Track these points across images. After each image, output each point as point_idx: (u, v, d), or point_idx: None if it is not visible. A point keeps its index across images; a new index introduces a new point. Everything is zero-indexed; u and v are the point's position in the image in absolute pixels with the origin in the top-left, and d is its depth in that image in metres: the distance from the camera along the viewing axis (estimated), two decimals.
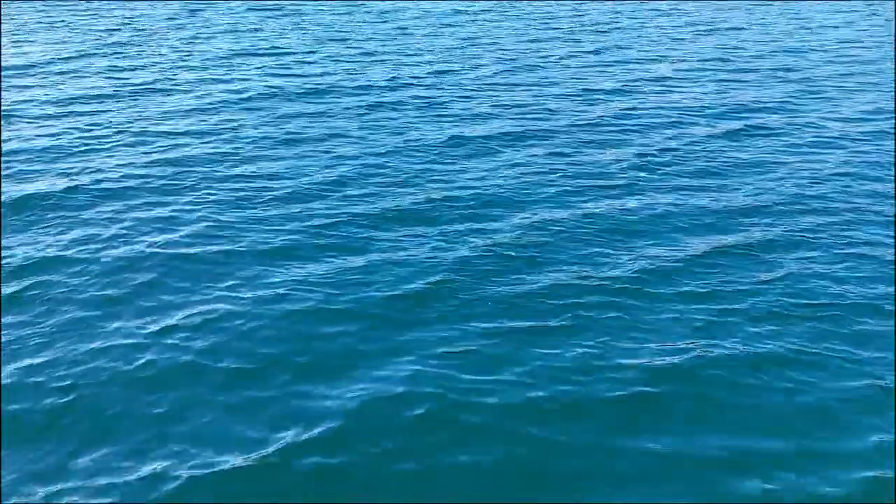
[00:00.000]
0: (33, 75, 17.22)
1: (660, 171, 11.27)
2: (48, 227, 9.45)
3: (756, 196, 10.40)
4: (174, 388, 6.48)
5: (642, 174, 11.17)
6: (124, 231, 9.28)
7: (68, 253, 8.73)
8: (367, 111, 14.44)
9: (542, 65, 18.65)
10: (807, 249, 8.87)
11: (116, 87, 16.22)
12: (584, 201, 10.12)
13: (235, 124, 13.68)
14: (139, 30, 23.42)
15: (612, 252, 8.67)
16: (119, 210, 9.90)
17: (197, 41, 21.66)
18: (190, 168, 11.36)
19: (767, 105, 15.00)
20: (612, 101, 15.23)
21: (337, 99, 15.32)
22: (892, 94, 15.96)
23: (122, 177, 11.00)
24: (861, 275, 8.27)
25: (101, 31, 23.31)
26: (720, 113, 14.41)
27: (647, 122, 13.79)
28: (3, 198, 10.17)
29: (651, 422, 6.04)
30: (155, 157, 11.90)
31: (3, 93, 15.67)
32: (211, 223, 9.46)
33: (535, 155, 11.98)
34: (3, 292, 7.84)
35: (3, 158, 11.71)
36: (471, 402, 6.21)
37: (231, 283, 8.06)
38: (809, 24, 24.90)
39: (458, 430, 5.94)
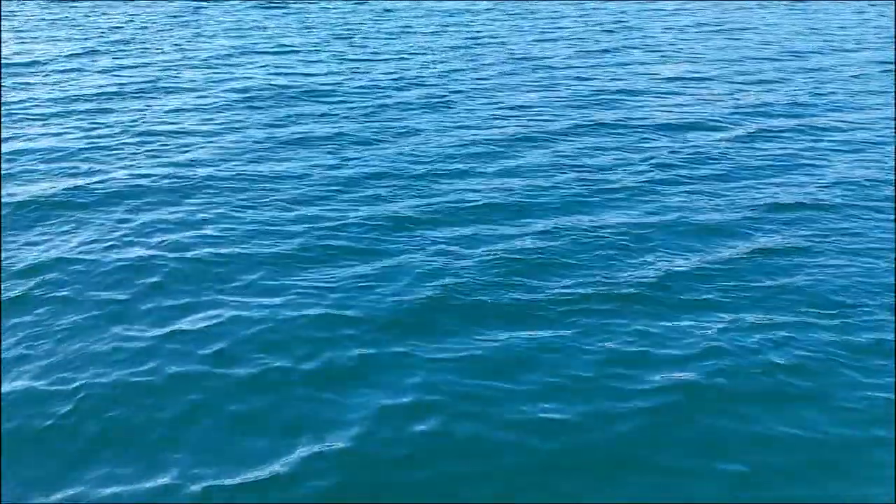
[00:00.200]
0: (36, 73, 17.12)
1: (669, 176, 11.14)
2: (52, 228, 9.34)
3: (768, 201, 10.27)
4: (181, 396, 6.35)
5: (651, 178, 11.03)
6: (130, 233, 9.16)
7: (72, 255, 8.61)
8: (373, 112, 14.32)
9: (547, 65, 18.52)
10: (819, 255, 8.75)
11: (120, 85, 16.11)
12: (593, 207, 9.99)
13: (240, 124, 13.58)
14: (143, 27, 23.32)
15: (624, 259, 8.54)
16: (124, 212, 9.78)
17: (201, 39, 21.54)
18: (195, 169, 11.25)
19: (775, 108, 14.86)
20: (619, 102, 15.11)
21: (342, 99, 15.22)
22: (893, 96, 15.87)
23: (127, 178, 10.88)
24: (878, 280, 8.16)
25: (105, 28, 23.20)
26: (728, 116, 14.28)
27: (654, 125, 13.67)
28: (7, 199, 10.06)
29: (668, 435, 5.93)
30: (160, 158, 11.79)
31: (6, 91, 15.55)
32: (217, 226, 9.35)
33: (543, 158, 11.86)
34: (6, 295, 7.73)
35: (6, 158, 11.60)
36: (482, 413, 6.09)
37: (238, 287, 7.95)
38: (817, 25, 24.76)
39: (470, 441, 5.82)
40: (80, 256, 8.60)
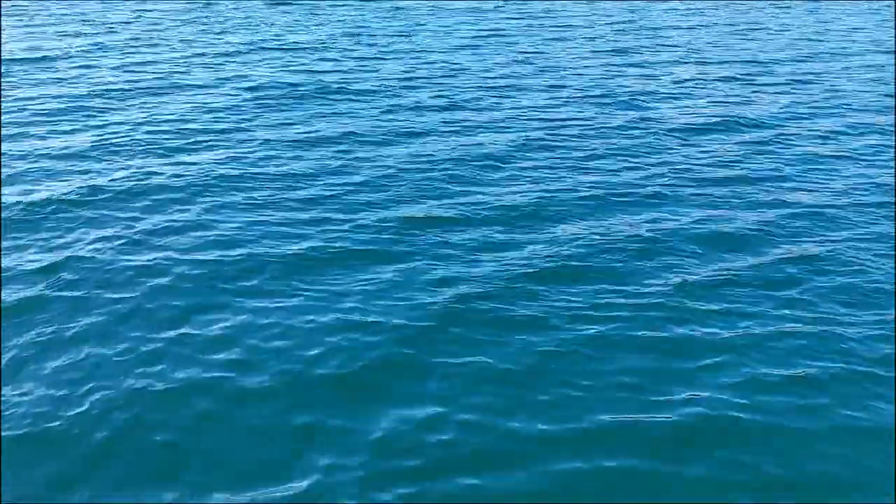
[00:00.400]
0: (45, 69, 17.04)
1: (684, 180, 10.98)
2: (63, 228, 9.21)
3: (787, 207, 10.13)
4: (192, 402, 6.22)
5: (666, 183, 10.89)
6: (141, 234, 9.03)
7: (83, 256, 8.49)
8: (383, 111, 14.18)
9: (557, 65, 18.38)
10: (839, 262, 8.61)
11: (130, 82, 16.03)
12: (608, 212, 9.81)
13: (250, 123, 13.47)
14: (152, 23, 23.24)
15: (641, 265, 8.39)
16: (135, 212, 9.65)
17: (210, 35, 21.45)
18: (205, 169, 11.12)
19: (790, 110, 14.70)
20: (631, 105, 14.96)
21: (351, 98, 15.09)
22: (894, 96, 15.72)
23: (138, 177, 10.75)
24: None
25: (114, 23, 23.15)
26: (743, 118, 14.12)
27: (668, 128, 13.52)
28: (17, 198, 9.97)
29: (690, 450, 5.79)
30: (170, 157, 11.67)
31: (14, 87, 15.47)
32: (228, 227, 9.22)
33: (556, 161, 11.72)
34: (16, 296, 7.60)
35: (16, 157, 11.49)
36: (499, 426, 5.95)
37: (251, 291, 7.81)
38: (830, 26, 24.55)
39: (487, 455, 5.70)
40: (91, 257, 8.49)
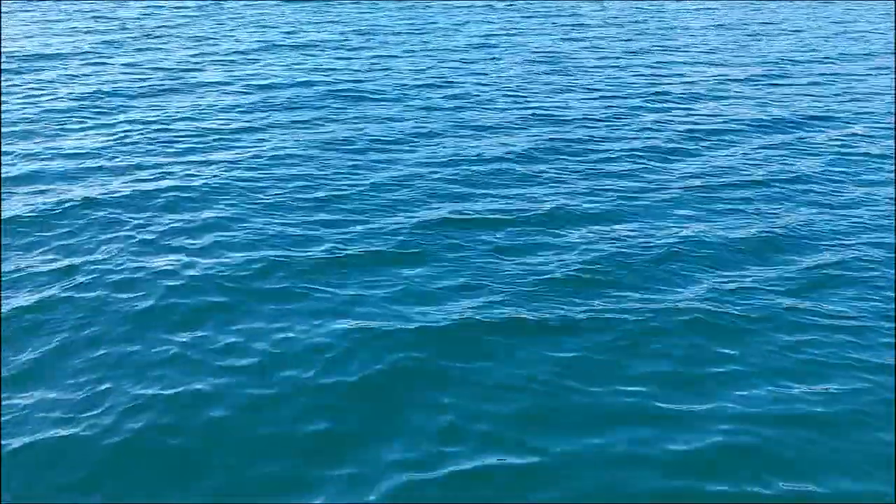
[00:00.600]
0: (55, 68, 16.98)
1: (702, 186, 10.83)
2: (72, 231, 9.09)
3: (807, 213, 10.01)
4: (207, 411, 6.10)
5: (683, 188, 10.76)
6: (153, 237, 8.94)
7: (94, 260, 8.39)
8: (397, 113, 14.06)
9: (570, 66, 18.27)
10: (863, 272, 8.48)
11: (140, 82, 15.97)
12: (626, 219, 9.64)
13: (264, 123, 13.39)
14: (164, 21, 23.19)
15: (661, 275, 8.25)
16: (147, 215, 9.55)
17: (223, 34, 21.38)
18: (218, 170, 11.04)
19: (803, 115, 14.53)
20: (644, 107, 14.83)
21: (366, 99, 14.98)
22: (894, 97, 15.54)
23: (150, 179, 10.69)
24: None
25: (126, 19, 23.10)
26: (758, 122, 13.98)
27: (681, 132, 13.38)
28: (27, 199, 9.90)
29: (716, 471, 5.65)
30: (181, 158, 11.58)
31: (25, 86, 15.42)
32: (243, 230, 9.12)
33: (572, 166, 11.58)
34: (26, 301, 7.53)
35: (26, 159, 11.41)
36: (519, 441, 5.83)
37: (268, 295, 7.67)
38: (843, 27, 24.36)
39: (508, 470, 5.59)
40: (105, 259, 8.41)
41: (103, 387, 6.41)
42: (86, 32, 21.00)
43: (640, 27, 23.80)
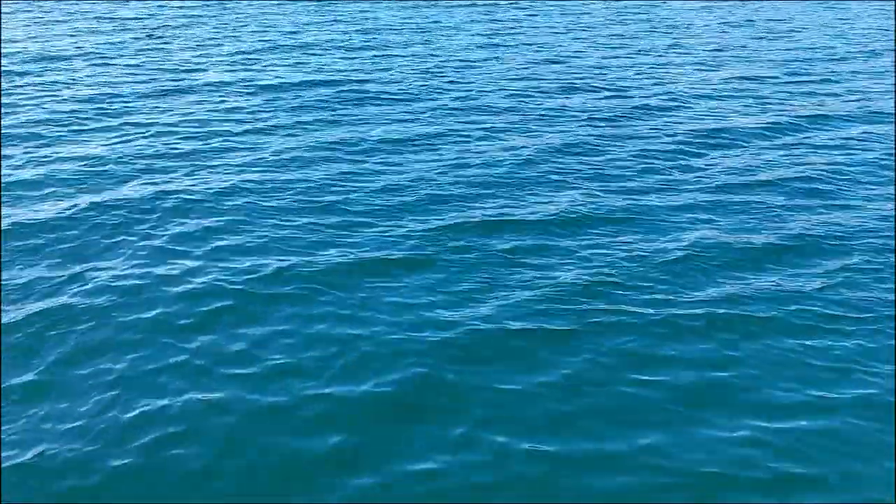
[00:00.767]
0: (57, 69, 16.89)
1: (716, 190, 10.69)
2: (78, 238, 8.96)
3: (820, 219, 9.89)
4: (216, 420, 5.98)
5: (696, 192, 10.63)
6: (160, 243, 8.81)
7: (101, 268, 8.30)
8: (404, 115, 13.93)
9: (576, 66, 18.16)
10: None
11: (144, 83, 15.88)
12: (639, 225, 9.46)
13: (270, 125, 13.29)
14: (167, 21, 23.09)
15: (678, 282, 8.09)
16: (154, 220, 9.40)
17: (225, 34, 21.29)
18: (224, 174, 10.92)
19: (810, 115, 14.42)
20: (651, 109, 14.71)
21: (373, 101, 14.86)
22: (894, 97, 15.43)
23: (156, 183, 10.57)
24: None
25: (128, 19, 23.02)
26: (765, 123, 13.86)
27: (688, 134, 13.27)
28: (31, 206, 9.79)
29: (735, 487, 5.55)
30: (188, 161, 11.47)
31: (28, 89, 15.33)
32: (252, 235, 8.98)
33: (582, 169, 11.47)
34: (33, 310, 7.42)
35: (33, 165, 11.30)
36: (538, 454, 5.72)
37: (278, 302, 7.55)
38: (848, 25, 24.24)
39: (526, 484, 5.49)
40: (113, 267, 8.27)
41: (111, 395, 6.33)
42: (88, 33, 20.92)
43: (645, 26, 23.69)
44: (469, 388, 6.40)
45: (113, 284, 7.90)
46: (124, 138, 12.48)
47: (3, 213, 9.51)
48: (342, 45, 20.11)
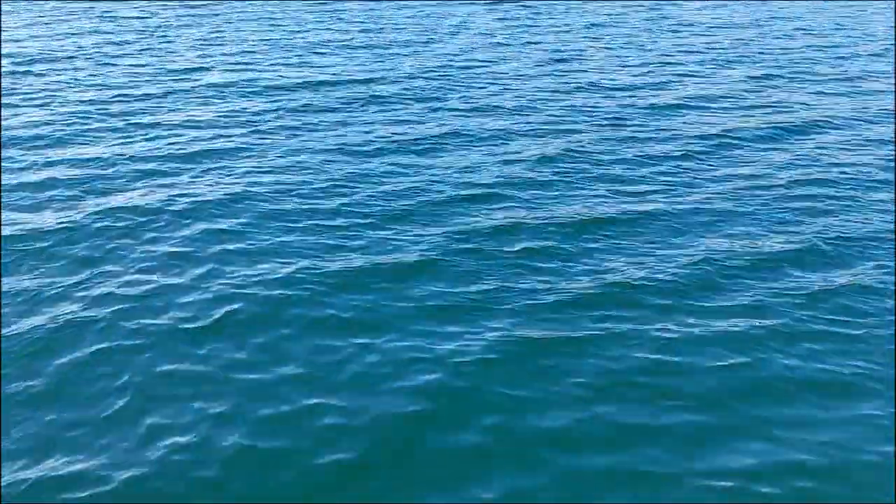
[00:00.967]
0: (59, 70, 16.76)
1: (728, 193, 10.57)
2: (88, 246, 8.77)
3: (836, 223, 9.78)
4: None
5: (714, 198, 10.50)
6: (165, 252, 8.64)
7: (110, 275, 8.18)
8: (414, 118, 13.74)
9: (583, 68, 18.03)
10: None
11: (147, 84, 15.76)
12: (659, 232, 9.28)
13: (277, 127, 13.16)
14: (169, 21, 22.95)
15: (702, 290, 7.95)
16: (160, 229, 9.21)
17: (229, 34, 21.16)
18: (231, 178, 10.79)
19: (817, 117, 14.28)
20: (660, 112, 14.58)
21: (375, 102, 14.73)
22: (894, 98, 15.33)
23: (162, 189, 10.43)
24: None
25: (130, 18, 22.89)
26: (774, 126, 13.73)
27: (696, 137, 13.15)
28: (37, 213, 9.67)
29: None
30: (194, 165, 11.31)
31: (30, 90, 15.21)
32: (263, 242, 8.78)
33: (594, 175, 11.30)
34: (45, 320, 7.29)
35: (36, 169, 11.16)
36: (571, 469, 5.61)
37: (299, 313, 7.35)
38: (852, 23, 24.10)
39: (564, 495, 5.39)
40: (120, 273, 8.14)
41: (119, 404, 6.24)
42: (90, 33, 20.78)
43: (651, 25, 23.55)
44: (483, 398, 6.29)
45: (119, 291, 7.78)
46: (128, 140, 12.36)
47: (5, 217, 9.37)
48: (345, 44, 19.98)
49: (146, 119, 13.48)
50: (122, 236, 9.00)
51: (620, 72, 17.48)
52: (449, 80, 16.42)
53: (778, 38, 21.95)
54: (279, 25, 22.45)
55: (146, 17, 23.33)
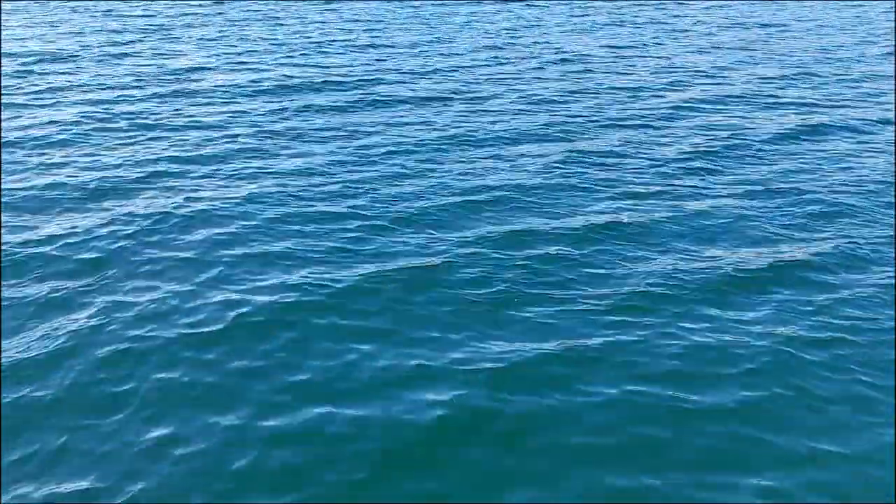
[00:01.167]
0: (61, 72, 16.64)
1: (739, 198, 10.43)
2: (98, 252, 8.57)
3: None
4: (232, 454, 5.63)
5: (722, 203, 10.38)
6: (173, 265, 8.34)
7: (117, 282, 8.01)
8: (413, 120, 13.63)
9: (584, 68, 17.91)
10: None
11: (150, 85, 15.66)
12: (670, 239, 9.14)
13: (279, 127, 13.05)
14: (172, 20, 22.84)
15: (727, 300, 7.78)
16: (165, 237, 8.96)
17: (232, 34, 21.04)
18: (237, 184, 10.64)
19: (824, 120, 14.16)
20: (669, 114, 14.48)
21: (382, 104, 14.62)
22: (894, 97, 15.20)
23: (167, 196, 10.26)
24: None
25: (134, 16, 22.79)
26: (784, 129, 13.59)
27: (704, 140, 13.03)
28: (45, 218, 9.53)
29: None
30: (198, 170, 11.16)
31: (36, 90, 15.10)
32: (276, 253, 8.52)
33: (605, 180, 11.19)
34: (61, 332, 7.16)
35: (38, 171, 11.03)
36: (598, 488, 5.48)
37: (317, 325, 7.13)
38: (873, 27, 23.97)
39: None
40: (127, 283, 7.90)
41: (128, 415, 6.09)
42: (92, 33, 20.67)
43: (657, 26, 23.43)
44: (496, 409, 6.14)
45: (125, 298, 7.63)
46: (133, 142, 12.24)
47: (8, 221, 9.23)
48: (350, 43, 19.88)
49: (151, 120, 13.36)
50: (128, 241, 8.81)
51: (625, 72, 17.37)
52: (454, 80, 16.31)
53: (783, 38, 21.83)
54: (284, 24, 22.34)
55: (150, 16, 23.22)
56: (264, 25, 22.20)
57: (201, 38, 20.20)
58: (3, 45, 18.49)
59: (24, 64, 16.98)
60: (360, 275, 8.04)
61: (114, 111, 13.80)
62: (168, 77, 16.24)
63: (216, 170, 11.10)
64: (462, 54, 18.88)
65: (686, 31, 22.79)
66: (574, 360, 6.75)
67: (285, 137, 12.59)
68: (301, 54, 18.64)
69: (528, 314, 7.42)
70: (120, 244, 8.73)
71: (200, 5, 25.33)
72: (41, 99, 14.43)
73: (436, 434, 5.90)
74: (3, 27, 20.66)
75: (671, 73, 17.45)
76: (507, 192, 10.36)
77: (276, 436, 5.86)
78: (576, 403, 6.24)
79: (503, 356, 6.76)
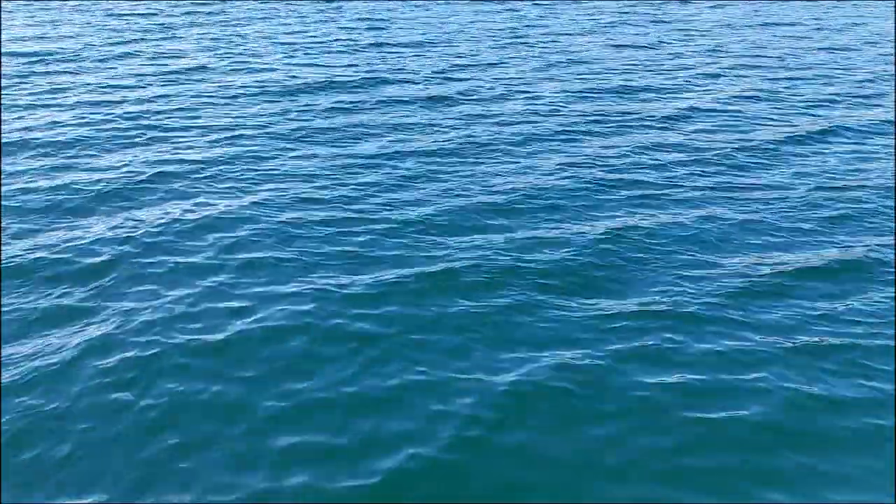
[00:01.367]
0: (62, 72, 16.53)
1: (748, 202, 10.34)
2: (95, 270, 8.29)
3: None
4: (248, 477, 5.47)
5: (757, 214, 10.19)
6: (178, 277, 8.12)
7: (122, 288, 7.92)
8: (418, 121, 13.54)
9: (588, 69, 17.81)
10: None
11: (151, 86, 15.54)
12: (686, 248, 9.00)
13: (283, 128, 12.93)
14: (174, 20, 22.73)
15: (752, 312, 7.62)
16: (169, 246, 8.76)
17: (233, 34, 20.94)
18: (247, 185, 10.56)
19: (828, 123, 14.06)
20: (669, 116, 14.39)
21: (386, 104, 14.52)
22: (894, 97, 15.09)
23: (171, 203, 10.17)
24: None
25: (136, 16, 22.67)
26: (791, 133, 13.49)
27: (709, 143, 12.93)
28: (41, 232, 9.42)
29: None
30: (201, 176, 11.03)
31: (38, 89, 15.00)
32: (284, 264, 8.36)
33: (615, 187, 11.06)
34: (78, 340, 7.08)
35: (40, 175, 10.92)
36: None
37: (327, 341, 6.96)
38: (858, 22, 23.88)
39: None
40: (145, 291, 7.76)
41: (135, 428, 5.98)
42: (96, 32, 20.55)
43: (659, 27, 23.32)
44: (514, 422, 6.02)
45: (132, 305, 7.52)
46: (136, 145, 12.12)
47: (9, 228, 9.08)
48: (353, 44, 19.77)
49: (153, 121, 13.25)
50: (133, 246, 8.68)
51: (628, 74, 17.27)
52: (459, 81, 16.21)
53: (788, 38, 21.73)
54: (287, 24, 22.23)
55: (152, 14, 23.11)
56: (267, 25, 22.09)
57: (204, 38, 20.08)
58: (3, 45, 18.36)
59: (24, 64, 16.86)
60: (367, 282, 7.93)
61: (116, 112, 13.69)
62: (171, 77, 16.14)
63: (220, 173, 10.98)
64: (467, 55, 18.77)
65: (690, 31, 22.69)
66: (586, 368, 6.64)
67: (290, 139, 12.48)
68: (304, 54, 18.54)
69: (539, 321, 7.32)
70: (125, 249, 8.59)
71: (203, 4, 25.21)
72: (42, 100, 14.32)
73: (447, 445, 5.78)
74: (3, 27, 20.53)
75: (675, 74, 17.35)
76: (514, 196, 10.25)
77: (285, 448, 5.76)
78: (589, 413, 6.15)
79: (515, 365, 6.65)
